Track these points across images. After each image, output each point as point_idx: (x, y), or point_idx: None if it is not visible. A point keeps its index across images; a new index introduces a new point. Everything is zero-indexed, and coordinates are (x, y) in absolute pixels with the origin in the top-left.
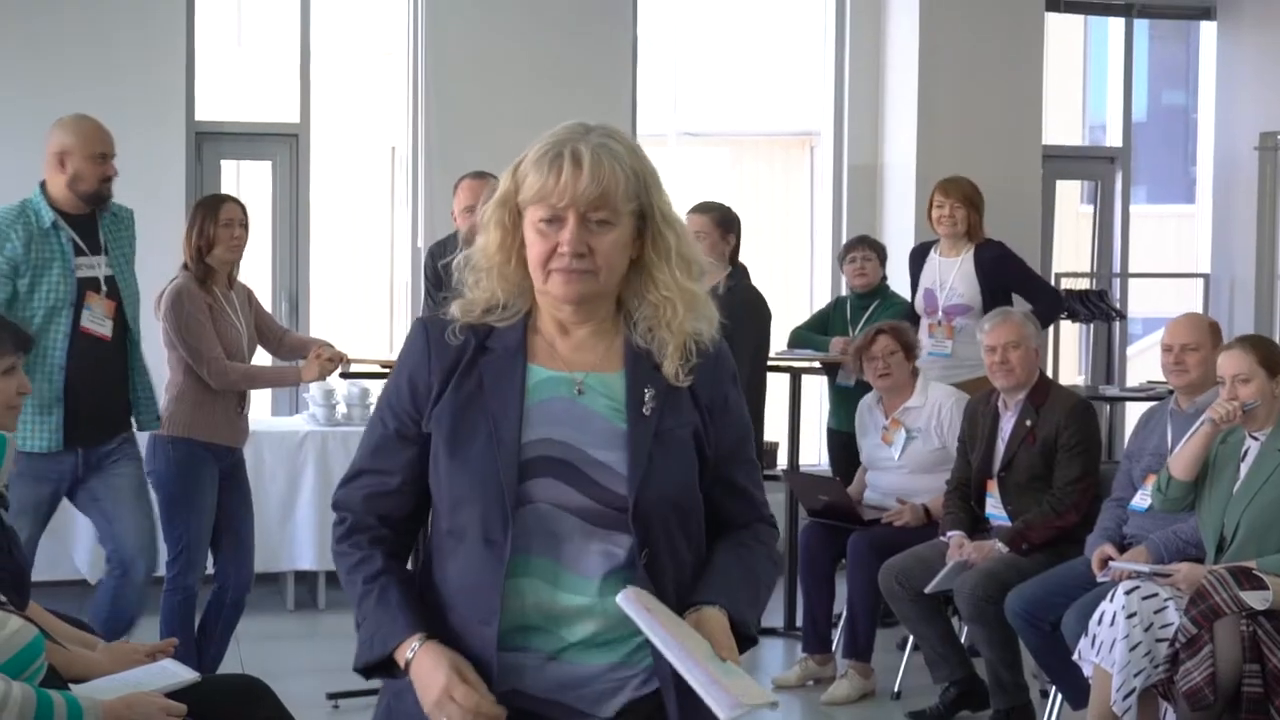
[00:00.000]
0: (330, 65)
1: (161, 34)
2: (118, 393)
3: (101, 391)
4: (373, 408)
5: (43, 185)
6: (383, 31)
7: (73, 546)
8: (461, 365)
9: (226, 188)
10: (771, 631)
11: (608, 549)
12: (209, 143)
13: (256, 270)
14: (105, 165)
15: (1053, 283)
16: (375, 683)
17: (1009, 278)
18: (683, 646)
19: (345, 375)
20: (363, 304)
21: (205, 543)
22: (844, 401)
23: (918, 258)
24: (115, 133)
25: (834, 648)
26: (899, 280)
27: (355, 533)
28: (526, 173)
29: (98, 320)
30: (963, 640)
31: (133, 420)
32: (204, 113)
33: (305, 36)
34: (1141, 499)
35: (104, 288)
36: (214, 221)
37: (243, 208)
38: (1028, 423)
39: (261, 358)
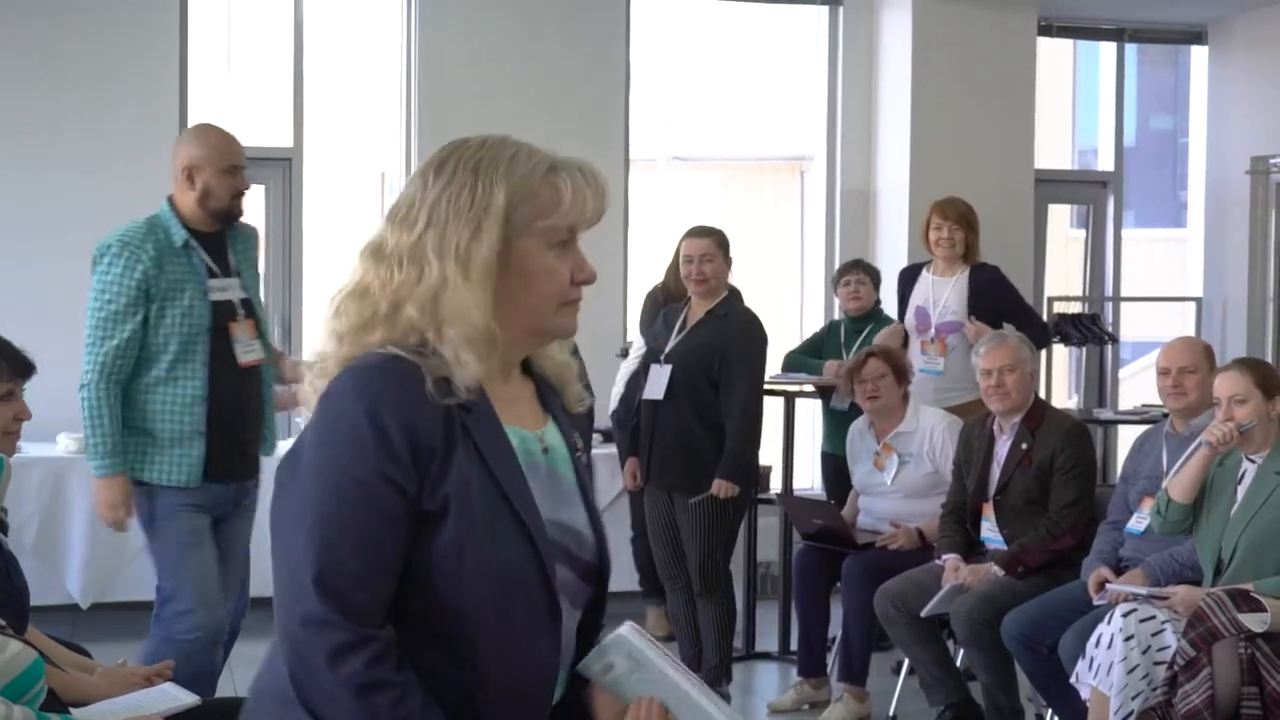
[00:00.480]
0: (320, 90)
1: (155, 58)
2: (258, 422)
3: (245, 422)
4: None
5: (171, 201)
6: (374, 57)
7: (64, 571)
8: (458, 428)
9: None
10: (766, 655)
11: (571, 630)
12: None
13: None
14: (237, 179)
15: (1045, 306)
16: None
17: (1002, 303)
18: (691, 681)
19: None
20: None
21: None
22: (838, 425)
23: (908, 277)
24: (108, 157)
25: (829, 671)
26: (893, 304)
27: (386, 656)
28: (540, 186)
29: (249, 348)
30: (958, 664)
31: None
32: None
33: (299, 61)
34: (1137, 522)
35: (240, 311)
36: None
37: None
38: (1023, 446)
39: None
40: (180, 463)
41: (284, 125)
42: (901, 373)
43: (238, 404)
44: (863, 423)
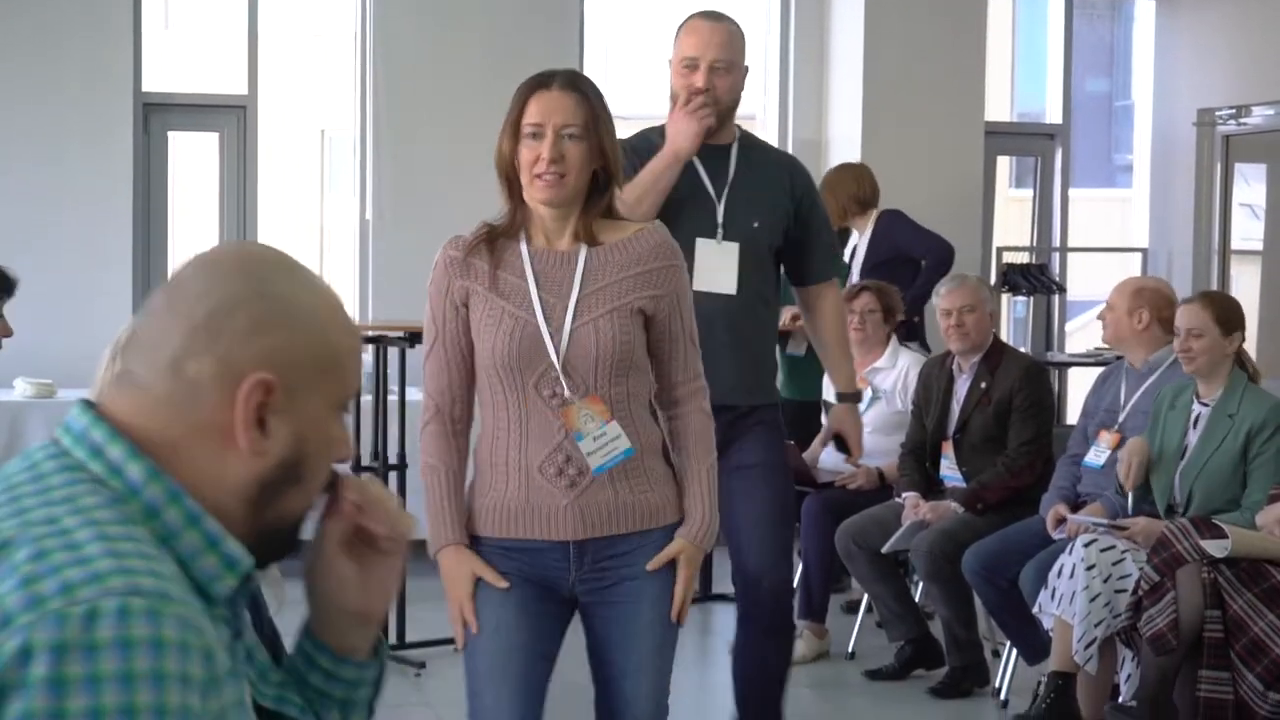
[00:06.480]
0: (269, 42)
1: (107, 5)
2: None
3: None
4: None
5: None
6: (325, 12)
7: None
8: None
9: (173, 159)
10: (723, 597)
11: None
12: (156, 114)
13: (204, 242)
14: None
15: (994, 256)
16: None
17: (899, 238)
18: None
19: None
20: None
21: None
22: (795, 370)
23: (842, 237)
24: (61, 103)
25: None
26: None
27: None
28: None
29: None
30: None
31: None
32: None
33: (253, 8)
34: (1095, 456)
35: None
36: None
37: None
38: (982, 385)
39: None
40: None
41: (228, 79)
42: (890, 311)
43: None
44: None
